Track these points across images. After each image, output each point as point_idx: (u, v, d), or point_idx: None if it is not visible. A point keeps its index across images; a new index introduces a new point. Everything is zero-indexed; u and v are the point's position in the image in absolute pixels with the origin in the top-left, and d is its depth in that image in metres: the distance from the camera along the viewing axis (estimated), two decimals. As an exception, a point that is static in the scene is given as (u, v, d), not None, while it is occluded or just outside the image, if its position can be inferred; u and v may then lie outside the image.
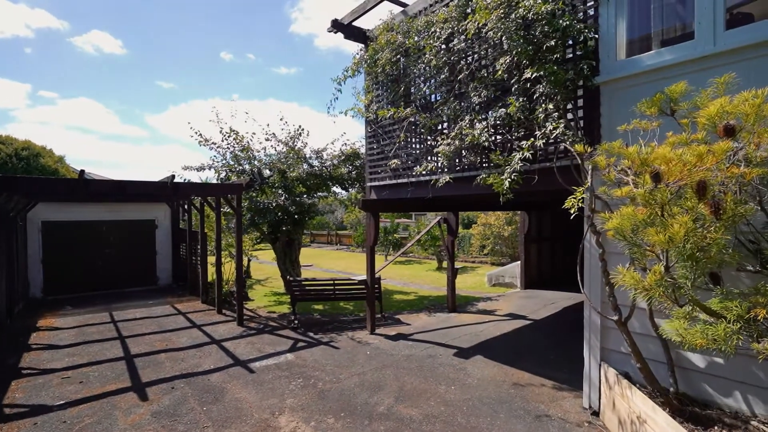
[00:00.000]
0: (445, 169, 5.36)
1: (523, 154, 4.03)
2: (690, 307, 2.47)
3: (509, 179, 3.99)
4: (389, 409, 4.50)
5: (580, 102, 4.36)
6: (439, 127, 5.71)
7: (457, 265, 10.24)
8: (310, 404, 4.66)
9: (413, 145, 6.47)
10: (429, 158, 5.79)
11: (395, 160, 6.19)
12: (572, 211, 3.65)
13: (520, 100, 4.25)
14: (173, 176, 7.46)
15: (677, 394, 3.56)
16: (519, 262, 12.20)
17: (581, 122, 4.30)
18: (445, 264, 17.71)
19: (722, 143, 2.03)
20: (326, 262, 20.16)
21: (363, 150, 11.14)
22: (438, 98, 5.68)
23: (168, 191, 7.29)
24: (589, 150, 3.21)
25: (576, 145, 3.30)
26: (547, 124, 3.92)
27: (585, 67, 4.00)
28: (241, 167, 10.34)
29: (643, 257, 2.38)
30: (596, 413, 4.28)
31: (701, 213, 2.17)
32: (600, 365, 4.23)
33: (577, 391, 4.85)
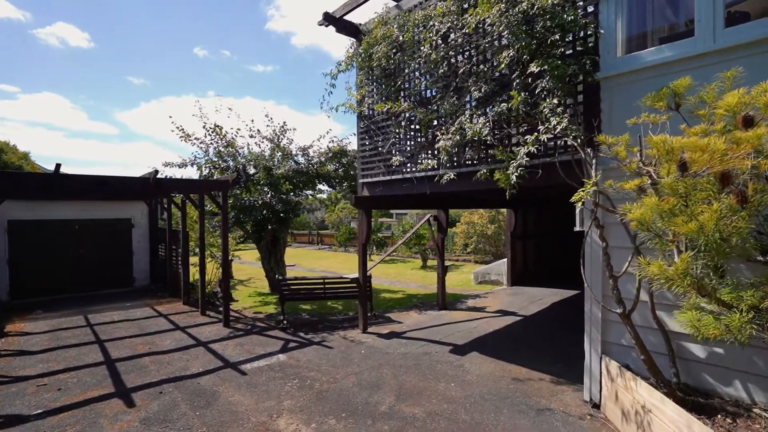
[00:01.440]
0: (443, 165, 5.30)
1: (527, 148, 4.02)
2: (706, 298, 2.48)
3: (516, 173, 3.97)
4: (391, 408, 4.41)
5: (580, 98, 4.39)
6: (435, 123, 5.66)
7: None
8: (308, 405, 4.51)
9: (409, 141, 6.40)
10: (426, 154, 5.73)
11: (396, 157, 6.09)
12: (579, 205, 3.67)
13: (522, 94, 4.25)
14: (156, 171, 7.13)
15: (679, 384, 3.63)
16: (505, 259, 12.33)
17: (581, 118, 4.34)
18: (429, 262, 17.76)
19: (757, 130, 2.04)
20: (309, 262, 19.87)
21: (350, 147, 11.02)
22: (434, 93, 5.62)
23: (150, 187, 6.95)
24: (609, 141, 3.21)
25: (599, 136, 3.30)
26: (551, 119, 3.91)
27: (588, 62, 4.02)
28: (225, 164, 10.02)
29: (664, 248, 2.38)
30: (597, 406, 4.32)
31: (723, 202, 2.17)
32: (601, 358, 4.27)
33: (575, 384, 4.89)
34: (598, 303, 4.22)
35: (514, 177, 3.96)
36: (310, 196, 11.97)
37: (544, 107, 3.95)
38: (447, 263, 18.19)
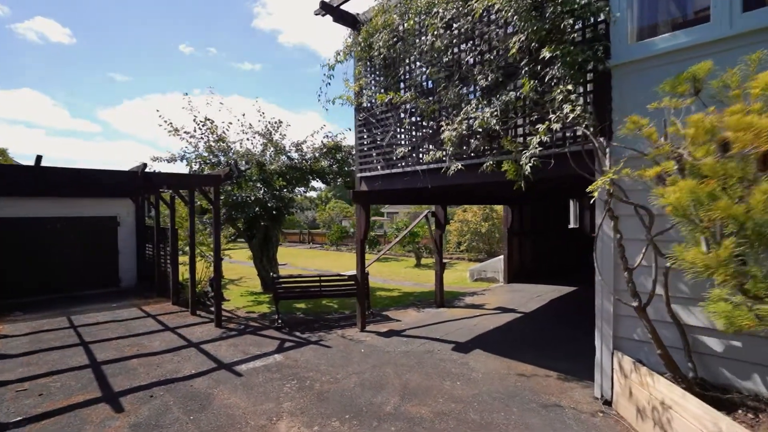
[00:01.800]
0: (449, 157, 5.14)
1: (540, 137, 3.88)
2: (740, 289, 2.36)
3: (529, 163, 3.82)
4: (396, 409, 4.23)
5: (590, 86, 4.27)
6: (435, 114, 5.50)
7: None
8: (309, 407, 4.30)
9: (410, 133, 6.22)
10: (430, 146, 5.56)
11: (399, 149, 5.90)
12: (594, 195, 3.54)
13: (532, 82, 4.10)
14: (144, 165, 6.81)
15: (696, 379, 3.52)
16: (501, 257, 12.25)
17: (591, 107, 4.22)
18: (423, 261, 17.64)
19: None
20: (301, 261, 19.57)
21: (345, 143, 10.80)
22: (437, 83, 5.46)
23: (138, 182, 6.64)
24: (641, 123, 3.07)
25: (631, 117, 3.15)
26: (564, 107, 3.78)
27: (600, 48, 3.90)
28: (216, 159, 9.70)
29: (700, 235, 2.25)
30: (608, 403, 4.20)
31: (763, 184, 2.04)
32: (612, 354, 4.16)
33: (583, 381, 4.78)
34: (609, 297, 4.11)
35: (528, 167, 3.81)
36: (301, 195, 11.70)
37: (557, 94, 3.81)
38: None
